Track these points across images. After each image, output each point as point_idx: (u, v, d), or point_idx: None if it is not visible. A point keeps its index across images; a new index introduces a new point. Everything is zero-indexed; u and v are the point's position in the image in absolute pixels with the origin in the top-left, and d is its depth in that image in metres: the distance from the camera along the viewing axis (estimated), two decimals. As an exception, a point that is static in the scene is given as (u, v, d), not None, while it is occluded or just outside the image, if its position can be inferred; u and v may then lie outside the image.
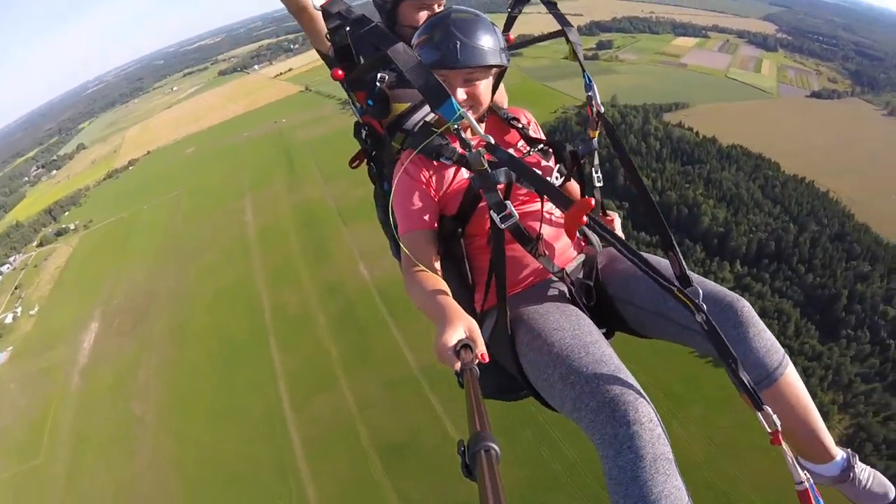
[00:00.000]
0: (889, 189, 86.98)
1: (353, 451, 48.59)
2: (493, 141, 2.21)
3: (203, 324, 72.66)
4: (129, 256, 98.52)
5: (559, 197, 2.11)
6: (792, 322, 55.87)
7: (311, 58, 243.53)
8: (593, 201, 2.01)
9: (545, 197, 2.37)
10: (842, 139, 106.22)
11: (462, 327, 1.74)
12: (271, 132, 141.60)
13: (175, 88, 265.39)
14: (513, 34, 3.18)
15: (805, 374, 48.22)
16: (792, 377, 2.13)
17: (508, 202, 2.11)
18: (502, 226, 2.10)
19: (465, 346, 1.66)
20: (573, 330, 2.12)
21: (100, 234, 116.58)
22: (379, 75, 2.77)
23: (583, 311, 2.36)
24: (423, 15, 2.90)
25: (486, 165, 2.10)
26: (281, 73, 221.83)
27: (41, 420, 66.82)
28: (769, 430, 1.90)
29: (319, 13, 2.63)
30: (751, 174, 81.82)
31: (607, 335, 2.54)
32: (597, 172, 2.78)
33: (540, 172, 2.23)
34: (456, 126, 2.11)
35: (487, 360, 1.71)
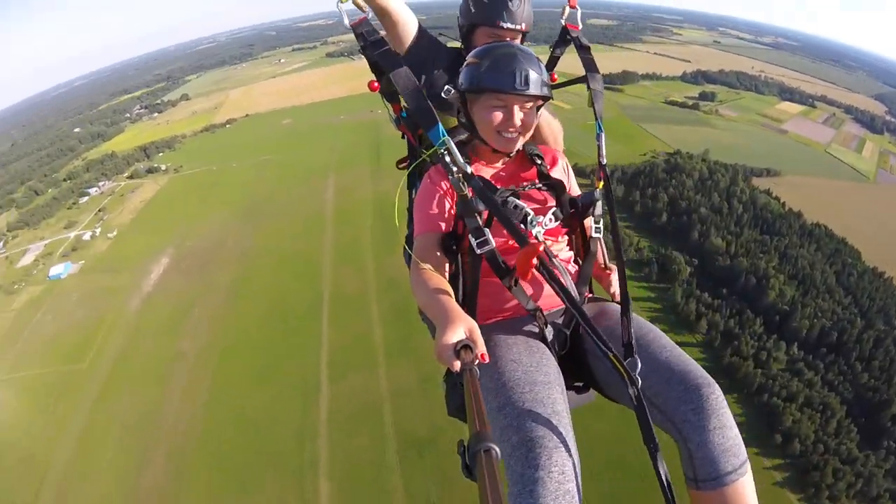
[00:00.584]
0: None
1: (375, 433, 49.81)
2: (470, 171, 2.33)
3: (263, 283, 75.19)
4: (210, 206, 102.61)
5: (517, 235, 2.23)
6: (835, 419, 52.92)
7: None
8: (542, 247, 2.19)
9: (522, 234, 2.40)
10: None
11: (462, 328, 1.76)
12: (366, 120, 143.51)
13: (282, 60, 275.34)
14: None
15: (834, 476, 46.16)
16: (745, 489, 1.93)
17: (487, 230, 2.27)
18: (478, 251, 2.26)
19: (466, 346, 1.69)
20: (529, 366, 2.14)
21: (187, 180, 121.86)
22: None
23: (553, 354, 2.36)
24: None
25: (466, 191, 2.28)
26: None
27: (93, 332, 71.46)
28: None
29: (403, 20, 3.03)
30: (829, 257, 77.91)
31: (583, 389, 2.62)
32: (597, 223, 2.71)
33: (526, 207, 2.44)
34: (443, 151, 2.30)
35: (487, 360, 1.76)
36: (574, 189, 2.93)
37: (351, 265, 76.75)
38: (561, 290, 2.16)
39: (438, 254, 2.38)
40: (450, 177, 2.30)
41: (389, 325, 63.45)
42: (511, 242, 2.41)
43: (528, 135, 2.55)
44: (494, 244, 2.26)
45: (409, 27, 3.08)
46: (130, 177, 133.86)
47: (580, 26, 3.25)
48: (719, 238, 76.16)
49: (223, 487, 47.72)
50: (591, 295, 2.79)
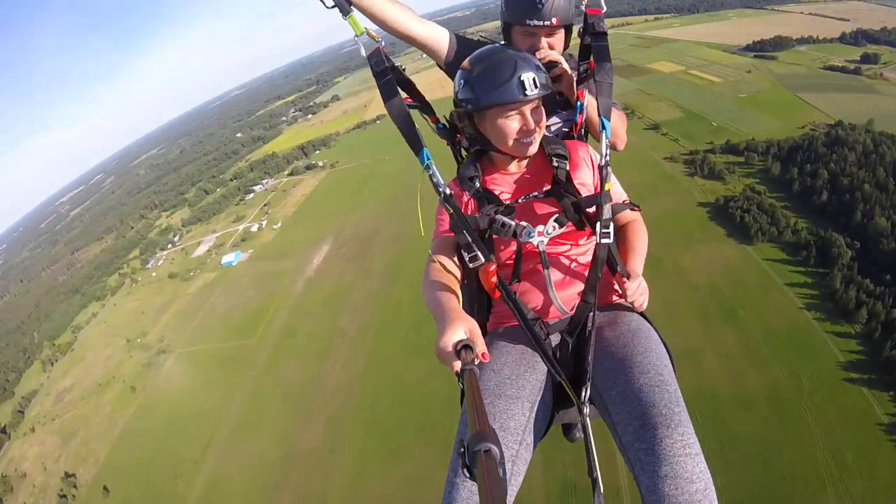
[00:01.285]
0: None
1: None
2: (449, 192, 2.41)
3: (416, 267, 77.86)
4: (365, 197, 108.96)
5: (482, 251, 2.31)
6: None
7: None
8: (493, 267, 2.25)
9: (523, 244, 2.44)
10: None
11: (462, 328, 1.77)
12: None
13: (425, 55, 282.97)
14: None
15: None
16: None
17: (474, 246, 2.31)
18: (470, 266, 2.31)
19: (466, 346, 1.70)
20: (505, 378, 2.17)
21: (343, 174, 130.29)
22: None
23: (549, 364, 2.33)
24: (528, 42, 3.05)
25: (452, 210, 2.35)
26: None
27: (262, 311, 79.37)
28: None
29: (428, 39, 3.12)
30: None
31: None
32: (605, 227, 2.39)
33: (512, 223, 2.37)
34: (429, 172, 2.44)
35: (488, 359, 1.83)
36: (609, 184, 2.52)
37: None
38: (515, 308, 2.30)
39: (451, 256, 2.43)
40: (438, 196, 2.44)
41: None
42: (511, 256, 2.47)
43: (539, 134, 2.45)
44: (484, 259, 2.32)
45: (438, 43, 3.19)
46: (291, 174, 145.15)
47: (603, 10, 2.97)
48: (885, 218, 67.00)
49: (374, 452, 51.81)
50: (616, 300, 2.67)
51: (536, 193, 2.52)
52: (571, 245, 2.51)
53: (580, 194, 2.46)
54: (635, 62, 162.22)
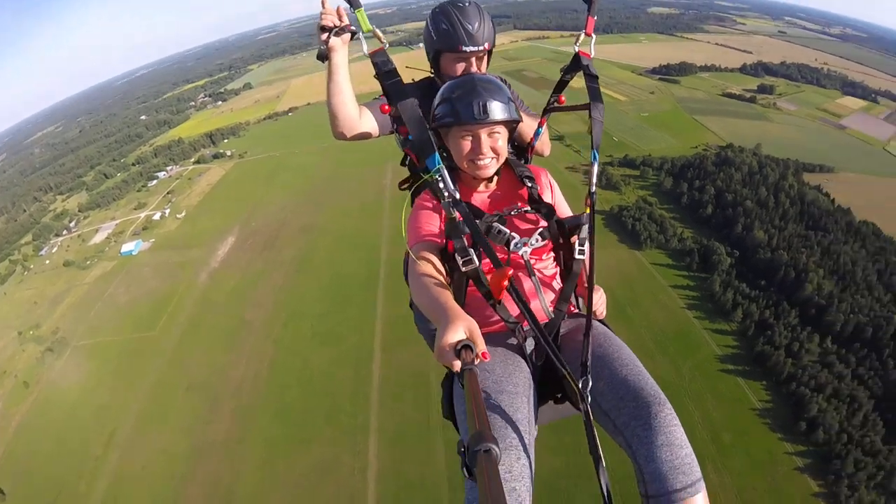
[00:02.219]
0: None
1: (421, 399, 53.24)
2: (457, 196, 2.49)
3: (323, 260, 79.80)
4: (273, 189, 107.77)
5: (493, 257, 2.42)
6: (862, 412, 53.38)
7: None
8: (510, 271, 2.27)
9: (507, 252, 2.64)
10: None
11: (462, 328, 1.79)
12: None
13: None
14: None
15: (855, 467, 47.27)
16: None
17: (471, 250, 2.40)
18: (463, 269, 2.40)
19: (466, 346, 1.72)
20: (500, 376, 2.28)
21: (252, 165, 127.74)
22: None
23: (529, 366, 2.49)
24: (461, 67, 3.28)
25: (454, 215, 2.43)
26: None
27: (164, 302, 77.39)
28: None
29: (362, 129, 3.25)
30: (873, 255, 76.94)
31: (561, 400, 2.70)
32: (582, 245, 2.74)
33: (507, 231, 2.60)
34: (437, 177, 2.47)
35: (488, 358, 1.85)
36: (559, 204, 3.00)
37: (405, 247, 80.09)
38: (525, 310, 2.32)
39: (434, 260, 2.48)
40: (441, 201, 2.47)
41: (442, 299, 67.08)
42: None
43: (502, 159, 2.70)
44: (478, 264, 2.40)
45: (372, 127, 3.33)
46: (197, 162, 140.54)
47: (592, 54, 3.30)
48: (762, 231, 76.72)
49: (283, 441, 52.26)
50: (576, 311, 2.95)
51: (527, 209, 2.79)
52: (537, 259, 2.74)
53: (556, 213, 2.81)
54: (548, 76, 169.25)
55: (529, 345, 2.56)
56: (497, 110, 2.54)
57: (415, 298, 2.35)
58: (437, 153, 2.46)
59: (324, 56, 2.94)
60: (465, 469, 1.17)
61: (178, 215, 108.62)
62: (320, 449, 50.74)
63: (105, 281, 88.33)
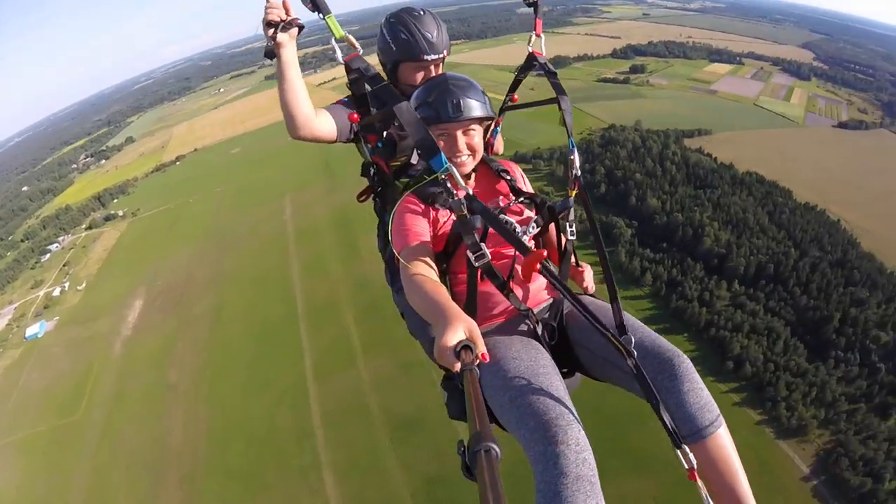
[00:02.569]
0: None
1: (365, 422, 53.34)
2: (471, 192, 2.44)
3: (239, 306, 77.60)
4: (174, 243, 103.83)
5: (520, 245, 2.39)
6: (781, 340, 58.18)
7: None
8: (545, 252, 2.33)
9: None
10: (862, 170, 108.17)
11: (462, 328, 1.80)
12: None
13: (222, 90, 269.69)
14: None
15: (788, 389, 51.18)
16: (723, 439, 2.20)
17: (483, 244, 2.41)
18: (476, 264, 2.39)
19: (466, 346, 1.70)
20: (529, 361, 2.32)
21: (147, 222, 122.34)
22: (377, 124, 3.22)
23: (545, 348, 2.54)
24: (420, 76, 3.31)
25: (466, 212, 2.39)
26: (325, 82, 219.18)
27: (82, 381, 72.71)
28: (686, 467, 2.09)
29: (320, 130, 3.15)
30: (761, 200, 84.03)
31: (568, 375, 2.75)
32: (571, 227, 2.94)
33: (514, 221, 2.65)
34: (443, 177, 2.39)
35: (488, 359, 1.86)
36: (528, 190, 3.10)
37: (319, 276, 79.87)
38: (562, 287, 2.36)
39: (427, 261, 2.47)
40: (449, 199, 2.42)
41: (363, 324, 66.91)
42: (507, 252, 2.66)
43: (479, 155, 2.78)
44: (490, 256, 2.42)
45: (330, 131, 3.25)
46: (89, 227, 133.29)
47: (544, 52, 3.42)
48: (655, 199, 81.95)
49: (238, 498, 50.41)
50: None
51: (521, 199, 2.91)
52: None
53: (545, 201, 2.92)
54: None
55: (538, 328, 2.65)
56: (473, 107, 2.63)
57: (410, 300, 2.32)
58: (442, 153, 2.40)
59: (271, 53, 2.82)
60: (464, 470, 1.15)
61: (78, 287, 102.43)
62: (277, 497, 49.43)
63: (15, 370, 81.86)
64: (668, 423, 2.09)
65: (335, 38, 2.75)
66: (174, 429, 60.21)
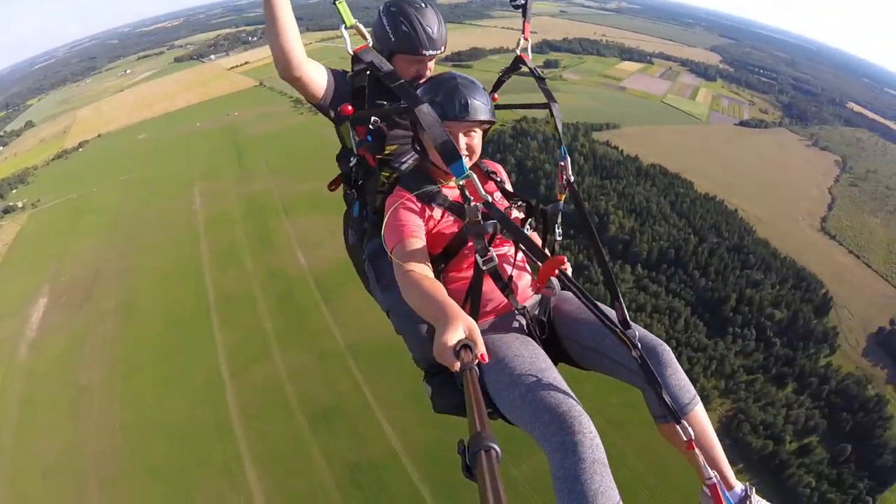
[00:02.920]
0: (795, 211, 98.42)
1: (284, 414, 53.46)
2: (491, 200, 2.51)
3: (149, 301, 75.23)
4: (79, 236, 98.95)
5: (537, 252, 2.54)
6: (682, 318, 62.76)
7: (266, 52, 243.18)
8: (565, 258, 2.49)
9: (520, 246, 2.82)
10: (760, 164, 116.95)
11: (462, 327, 1.83)
12: (224, 124, 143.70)
13: (128, 71, 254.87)
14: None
15: (689, 363, 55.20)
16: (700, 414, 2.48)
17: (492, 249, 2.52)
18: (484, 268, 2.47)
19: (465, 346, 1.73)
20: (530, 358, 2.41)
21: (48, 214, 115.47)
22: (373, 119, 3.17)
23: (536, 342, 2.66)
24: (416, 69, 3.28)
25: (480, 218, 2.47)
26: (237, 66, 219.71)
27: (-14, 388, 68.66)
28: (685, 439, 2.30)
29: (310, 77, 3.04)
30: (663, 191, 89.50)
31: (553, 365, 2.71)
32: (559, 228, 3.11)
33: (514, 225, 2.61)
34: (461, 182, 2.46)
35: (487, 360, 1.84)
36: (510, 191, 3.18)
37: (230, 267, 78.98)
38: (578, 289, 2.51)
39: (423, 259, 2.51)
40: (466, 205, 2.50)
41: (277, 315, 67.10)
42: (498, 252, 2.76)
43: (476, 157, 2.84)
44: (497, 260, 2.53)
45: (319, 83, 3.15)
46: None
47: (530, 56, 3.49)
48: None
49: (162, 497, 49.43)
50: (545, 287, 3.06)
51: (517, 201, 3.00)
52: (510, 246, 2.88)
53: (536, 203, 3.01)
54: None
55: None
56: (479, 110, 2.68)
57: (407, 298, 2.33)
58: (462, 159, 2.39)
59: None
60: (464, 470, 1.18)
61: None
62: (202, 493, 48.86)
63: None
64: (669, 403, 2.29)
65: (345, 26, 2.74)
66: (90, 431, 57.81)
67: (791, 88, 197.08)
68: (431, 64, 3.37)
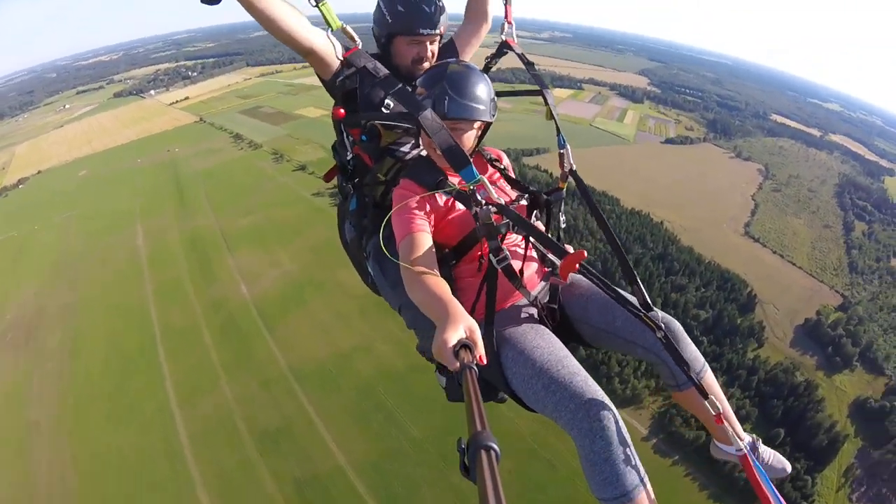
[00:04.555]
0: (720, 219, 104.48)
1: (233, 438, 55.23)
2: (504, 203, 2.57)
3: (95, 337, 75.31)
4: (20, 275, 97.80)
5: (555, 247, 2.47)
6: None
7: (206, 88, 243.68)
8: (586, 253, 2.36)
9: (531, 241, 2.88)
10: (683, 178, 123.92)
11: (463, 327, 1.85)
12: (164, 160, 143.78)
13: (67, 106, 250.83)
14: None
15: (619, 366, 58.43)
16: (710, 379, 2.65)
17: (504, 247, 2.54)
18: (498, 267, 2.50)
19: (465, 346, 1.75)
20: (548, 348, 2.47)
21: None
22: (368, 122, 3.11)
23: (548, 329, 2.70)
24: (415, 50, 3.17)
25: (492, 221, 2.46)
26: (177, 101, 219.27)
27: (-67, 436, 67.57)
28: (713, 413, 2.45)
29: (323, 48, 2.91)
30: (592, 209, 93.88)
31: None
32: (563, 216, 3.20)
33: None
34: (472, 186, 2.44)
35: (485, 362, 1.82)
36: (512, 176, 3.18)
37: (175, 301, 79.79)
38: (599, 279, 2.52)
39: (430, 254, 2.48)
40: (477, 208, 2.50)
41: (221, 345, 68.74)
42: (511, 246, 2.82)
43: (468, 152, 2.73)
44: (511, 258, 2.57)
45: (329, 52, 3.00)
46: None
47: (516, 40, 3.44)
48: None
49: None
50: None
51: (525, 195, 3.06)
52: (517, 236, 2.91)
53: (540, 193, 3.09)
54: (284, 109, 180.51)
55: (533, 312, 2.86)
56: (460, 109, 2.63)
57: (411, 295, 2.35)
58: (472, 164, 2.40)
59: None
60: (463, 469, 1.13)
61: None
62: None
63: None
64: (696, 381, 2.49)
65: (330, 30, 2.69)
66: (41, 466, 58.04)
67: (716, 105, 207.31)
68: (434, 47, 3.30)
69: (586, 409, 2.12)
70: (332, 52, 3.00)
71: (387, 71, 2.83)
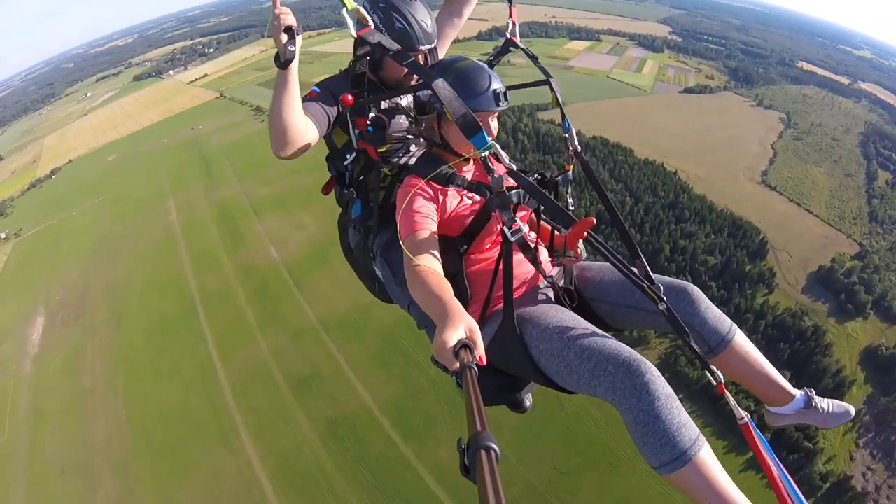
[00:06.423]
0: (735, 168, 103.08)
1: (269, 386, 59.80)
2: (515, 168, 2.51)
3: (139, 308, 79.92)
4: (63, 258, 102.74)
5: (565, 216, 2.49)
6: None
7: (224, 63, 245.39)
8: (594, 220, 2.39)
9: (542, 216, 2.93)
10: (700, 127, 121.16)
11: (463, 327, 1.80)
12: (189, 138, 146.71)
13: (89, 94, 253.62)
14: None
15: None
16: (742, 340, 2.56)
17: (518, 219, 2.45)
18: (512, 239, 2.41)
19: (465, 346, 1.70)
20: (572, 320, 2.46)
21: (31, 241, 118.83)
22: (372, 113, 3.08)
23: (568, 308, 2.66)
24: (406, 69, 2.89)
25: (505, 188, 2.44)
26: (196, 79, 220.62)
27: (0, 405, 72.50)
28: (715, 383, 2.39)
29: (315, 134, 2.92)
30: (603, 160, 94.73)
31: None
32: (571, 198, 3.12)
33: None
34: (484, 154, 2.42)
35: (485, 362, 1.75)
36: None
37: (210, 268, 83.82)
38: (606, 249, 2.53)
39: (434, 251, 2.48)
40: (490, 176, 2.46)
41: (255, 304, 73.05)
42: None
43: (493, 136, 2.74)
44: (526, 229, 2.49)
45: (314, 136, 2.96)
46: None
47: (518, 38, 3.56)
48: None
49: (169, 475, 54.34)
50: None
51: (537, 176, 2.99)
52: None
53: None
54: (301, 78, 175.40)
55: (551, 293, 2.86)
56: (507, 96, 2.76)
57: (412, 293, 2.34)
58: (483, 130, 2.38)
59: (287, 62, 2.56)
60: (463, 469, 1.11)
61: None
62: (203, 466, 54.09)
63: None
64: (697, 350, 2.43)
65: (346, 10, 2.67)
66: (98, 427, 62.64)
67: (740, 53, 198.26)
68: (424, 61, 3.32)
69: (626, 368, 2.09)
70: (320, 126, 3.06)
71: (398, 46, 2.80)
